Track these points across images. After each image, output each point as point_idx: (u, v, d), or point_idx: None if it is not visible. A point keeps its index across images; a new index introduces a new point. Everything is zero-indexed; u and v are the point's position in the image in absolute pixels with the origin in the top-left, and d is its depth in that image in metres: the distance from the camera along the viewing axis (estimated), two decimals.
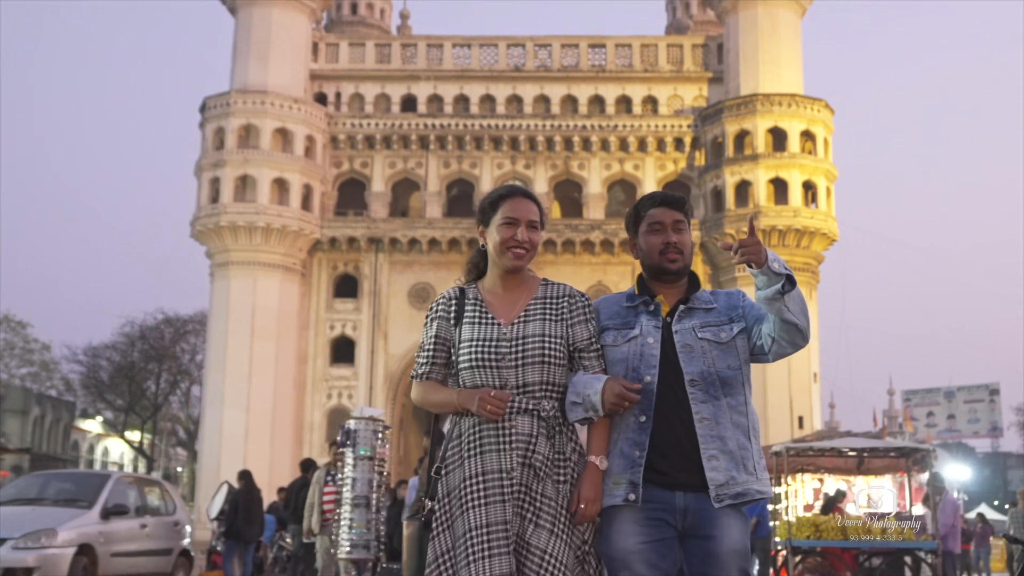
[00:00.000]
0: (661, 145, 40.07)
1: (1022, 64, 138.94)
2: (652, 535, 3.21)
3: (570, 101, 41.02)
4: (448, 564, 3.18)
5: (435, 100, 41.06)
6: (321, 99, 41.00)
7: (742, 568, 3.23)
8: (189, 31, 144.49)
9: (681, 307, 3.46)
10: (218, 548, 15.23)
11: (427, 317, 3.49)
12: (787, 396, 36.31)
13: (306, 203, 38.69)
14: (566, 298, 3.42)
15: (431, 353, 3.41)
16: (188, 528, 13.20)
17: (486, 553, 3.11)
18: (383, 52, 42.03)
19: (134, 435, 54.40)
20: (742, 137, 38.23)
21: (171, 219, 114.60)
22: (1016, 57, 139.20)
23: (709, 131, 39.18)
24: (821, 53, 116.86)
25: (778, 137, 38.00)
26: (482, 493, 3.19)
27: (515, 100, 41.06)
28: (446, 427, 3.41)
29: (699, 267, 39.25)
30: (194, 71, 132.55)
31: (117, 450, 58.37)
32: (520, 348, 3.28)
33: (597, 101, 40.99)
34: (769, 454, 11.58)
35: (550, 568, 3.14)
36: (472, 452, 3.25)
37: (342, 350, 38.95)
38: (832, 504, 11.34)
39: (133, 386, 52.08)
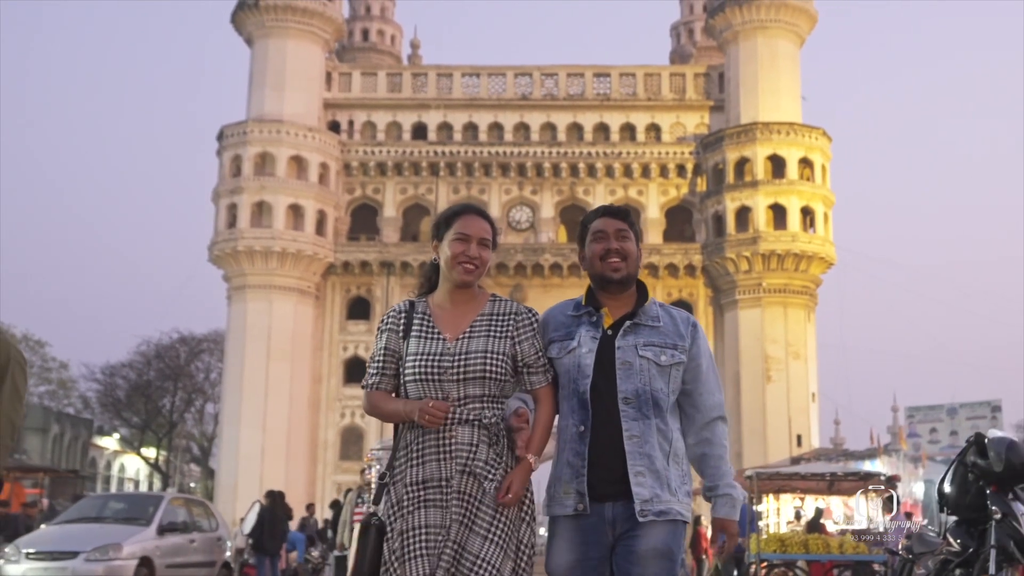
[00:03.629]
0: (664, 171, 41.35)
1: (1020, 80, 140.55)
2: (588, 552, 3.37)
3: (576, 129, 42.35)
4: (394, 561, 3.27)
5: (445, 128, 42.41)
6: (334, 127, 42.37)
7: (666, 569, 3.36)
8: (206, 61, 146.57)
9: (627, 323, 3.51)
10: (250, 561, 16.47)
11: (378, 329, 3.57)
12: (786, 416, 37.44)
13: (320, 228, 40.02)
14: (512, 315, 3.47)
15: (381, 364, 3.49)
16: (229, 543, 14.50)
17: (417, 553, 3.24)
18: (394, 81, 43.41)
19: (150, 452, 55.59)
20: (742, 164, 39.50)
21: (186, 242, 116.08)
22: (1013, 73, 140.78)
23: (710, 158, 40.45)
24: (819, 81, 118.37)
25: (777, 164, 39.26)
26: (421, 498, 3.31)
27: (522, 128, 42.40)
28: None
29: (700, 289, 40.53)
30: (212, 100, 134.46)
31: (133, 466, 59.49)
32: (463, 363, 3.35)
33: (602, 129, 42.33)
34: (743, 477, 12.89)
35: (481, 572, 3.23)
36: (415, 461, 3.35)
37: (355, 371, 40.12)
38: (817, 522, 12.55)
39: (149, 404, 53.30)
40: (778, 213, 38.98)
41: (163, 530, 12.42)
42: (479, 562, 3.23)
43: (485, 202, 41.20)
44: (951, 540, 4.52)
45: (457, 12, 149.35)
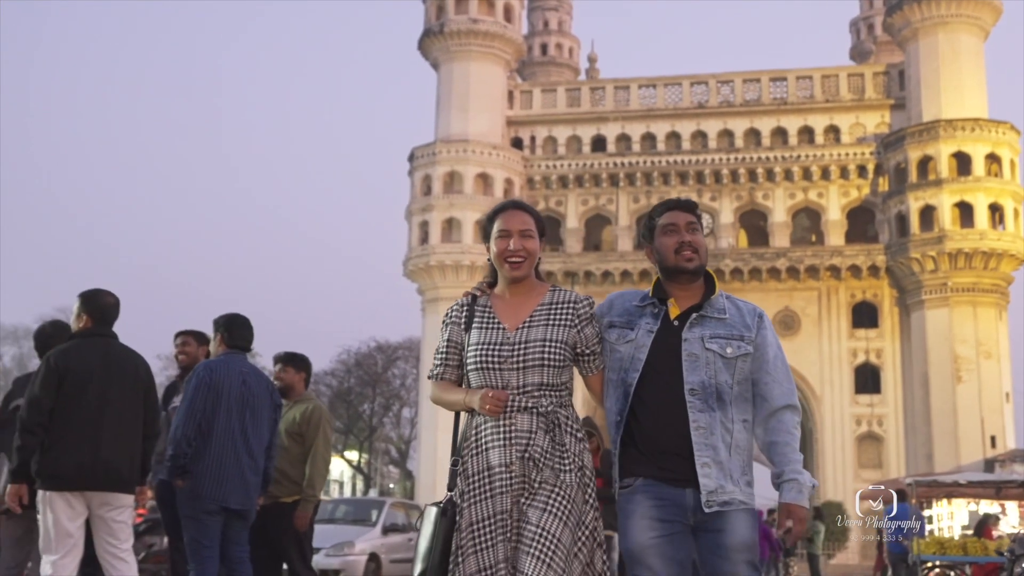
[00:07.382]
0: (844, 173, 41.27)
1: None
2: (665, 529, 3.44)
3: (753, 134, 42.78)
4: (460, 553, 3.37)
5: (623, 139, 43.60)
6: (517, 143, 44.17)
7: (749, 561, 3.44)
8: (399, 86, 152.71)
9: (694, 315, 3.55)
10: None
11: (442, 323, 3.71)
12: (978, 417, 36.84)
13: None
14: (571, 303, 3.55)
15: (444, 355, 3.62)
16: None
17: (488, 544, 3.34)
18: (573, 96, 44.89)
19: (352, 455, 59.00)
20: (925, 162, 39.02)
21: (383, 257, 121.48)
22: None
23: (892, 157, 40.13)
24: (1008, 74, 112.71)
25: (962, 161, 38.60)
26: (488, 487, 3.40)
27: (699, 135, 43.14)
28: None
29: (885, 290, 40.25)
30: (405, 122, 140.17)
31: (337, 469, 63.16)
32: (522, 352, 3.45)
33: (779, 133, 42.59)
34: (904, 484, 13.60)
35: (542, 540, 3.31)
36: (479, 449, 3.45)
37: None
38: (983, 526, 13.15)
39: (350, 409, 56.69)
40: (964, 211, 38.33)
41: (386, 530, 14.29)
42: (539, 531, 3.32)
43: None
44: None
45: (632, 20, 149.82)
